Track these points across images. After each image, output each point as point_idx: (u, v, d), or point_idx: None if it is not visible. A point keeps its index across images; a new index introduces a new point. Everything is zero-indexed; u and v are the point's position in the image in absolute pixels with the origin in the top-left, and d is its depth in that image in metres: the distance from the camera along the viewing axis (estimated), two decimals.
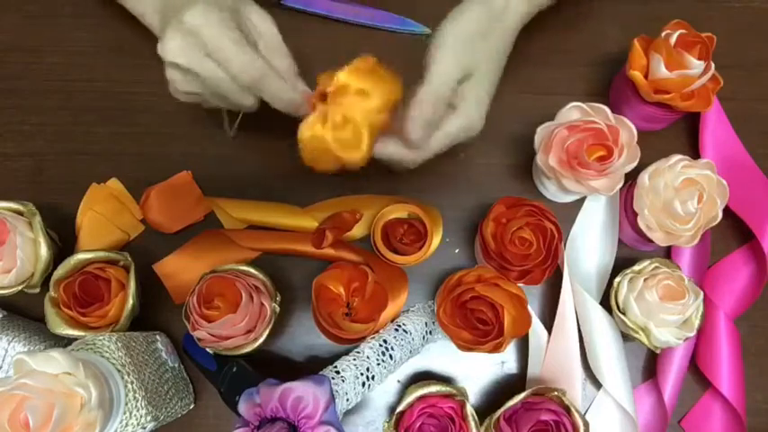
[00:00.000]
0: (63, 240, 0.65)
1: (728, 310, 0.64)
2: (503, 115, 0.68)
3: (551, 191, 0.66)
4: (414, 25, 0.70)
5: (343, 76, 0.50)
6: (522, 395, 0.55)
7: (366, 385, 0.57)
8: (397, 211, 0.64)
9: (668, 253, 0.66)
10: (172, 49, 0.48)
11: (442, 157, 0.67)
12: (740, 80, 0.68)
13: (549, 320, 0.64)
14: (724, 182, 0.58)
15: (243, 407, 0.50)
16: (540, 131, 0.60)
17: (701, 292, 0.58)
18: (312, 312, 0.61)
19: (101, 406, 0.46)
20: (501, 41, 0.56)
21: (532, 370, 0.63)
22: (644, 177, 0.59)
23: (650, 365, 0.64)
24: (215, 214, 0.67)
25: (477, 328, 0.55)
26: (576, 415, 0.54)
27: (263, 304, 0.57)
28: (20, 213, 0.60)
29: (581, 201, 0.67)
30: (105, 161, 0.67)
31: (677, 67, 0.58)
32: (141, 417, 0.51)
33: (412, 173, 0.64)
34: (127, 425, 0.51)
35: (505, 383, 0.64)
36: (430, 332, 0.62)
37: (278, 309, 0.58)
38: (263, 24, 0.53)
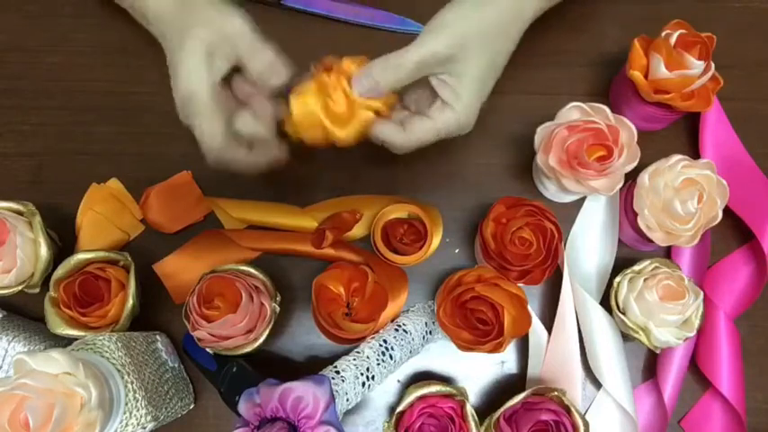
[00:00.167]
0: (63, 240, 0.65)
1: (728, 310, 0.64)
2: (503, 115, 0.69)
3: (551, 191, 0.66)
4: (414, 25, 0.70)
5: (353, 65, 0.50)
6: (522, 395, 0.55)
7: (366, 385, 0.57)
8: (397, 211, 0.64)
9: (668, 253, 0.66)
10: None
11: (442, 157, 0.68)
12: (740, 80, 0.68)
13: (549, 320, 0.64)
14: (724, 182, 0.58)
15: (243, 407, 0.50)
16: (540, 131, 0.60)
17: (701, 292, 0.58)
18: (312, 312, 0.61)
19: (101, 406, 0.46)
20: (513, 38, 0.54)
21: (532, 370, 0.63)
22: (644, 177, 0.59)
23: (650, 365, 0.64)
24: (215, 214, 0.67)
25: (477, 328, 0.55)
26: (576, 415, 0.54)
27: (263, 304, 0.57)
28: (20, 213, 0.60)
29: (581, 201, 0.67)
30: (105, 161, 0.67)
31: (677, 67, 0.58)
32: (141, 417, 0.51)
33: (412, 173, 0.64)
34: (127, 425, 0.51)
35: (505, 383, 0.64)
36: (430, 332, 0.62)
37: (278, 309, 0.58)
38: (240, 28, 0.52)
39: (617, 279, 0.60)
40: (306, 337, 0.65)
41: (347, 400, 0.56)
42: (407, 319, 0.61)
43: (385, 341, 0.59)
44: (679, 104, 0.60)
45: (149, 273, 0.64)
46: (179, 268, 0.65)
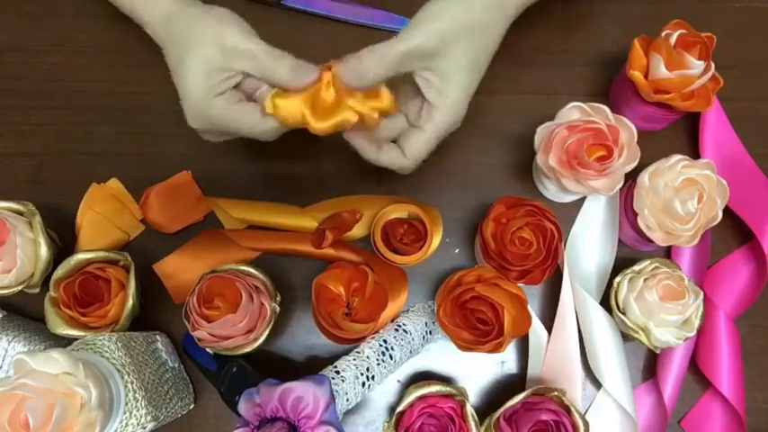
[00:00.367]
0: (63, 240, 0.65)
1: (728, 310, 0.64)
2: (503, 115, 0.69)
3: (551, 191, 0.66)
4: None
5: None
6: (522, 395, 0.55)
7: (366, 385, 0.57)
8: (397, 211, 0.64)
9: (668, 253, 0.66)
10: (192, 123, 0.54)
11: (442, 157, 0.68)
12: (740, 80, 0.68)
13: (549, 320, 0.64)
14: (724, 182, 0.58)
15: (243, 407, 0.50)
16: (540, 131, 0.60)
17: (701, 292, 0.58)
18: (312, 312, 0.61)
19: (101, 406, 0.46)
20: (495, 36, 0.54)
21: (532, 370, 0.63)
22: (644, 177, 0.59)
23: (650, 365, 0.64)
24: (215, 214, 0.67)
25: (477, 328, 0.55)
26: (576, 415, 0.54)
27: (263, 304, 0.57)
28: (20, 213, 0.60)
29: (581, 201, 0.67)
30: (105, 161, 0.67)
31: (677, 67, 0.58)
32: (141, 417, 0.51)
33: (412, 173, 0.64)
34: (127, 425, 0.51)
35: (505, 383, 0.64)
36: (430, 332, 0.62)
37: (278, 309, 0.58)
38: (243, 42, 0.51)
39: (617, 279, 0.60)
40: (306, 337, 0.65)
41: (347, 400, 0.56)
42: (407, 319, 0.61)
43: (385, 341, 0.59)
44: (679, 104, 0.60)
45: (149, 273, 0.64)
46: (179, 268, 0.65)
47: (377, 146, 0.54)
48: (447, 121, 0.53)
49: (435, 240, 0.63)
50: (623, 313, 0.59)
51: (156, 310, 0.64)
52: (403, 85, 0.54)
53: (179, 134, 0.68)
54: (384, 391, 0.64)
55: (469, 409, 0.55)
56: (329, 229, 0.60)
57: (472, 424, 0.55)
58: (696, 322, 0.58)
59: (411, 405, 0.56)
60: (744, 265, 0.66)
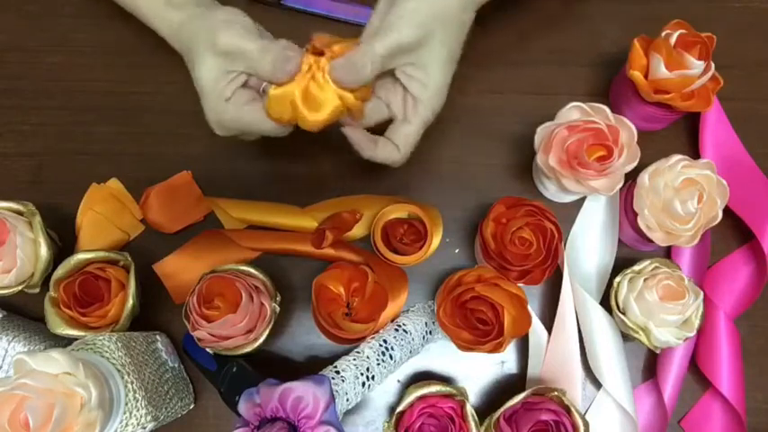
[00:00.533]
0: (63, 240, 0.65)
1: (728, 310, 0.64)
2: (503, 115, 0.69)
3: (551, 191, 0.66)
4: None
5: (345, 49, 0.50)
6: (522, 395, 0.55)
7: (366, 385, 0.57)
8: (397, 211, 0.64)
9: (668, 253, 0.66)
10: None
11: (443, 157, 0.68)
12: (740, 80, 0.68)
13: (549, 320, 0.64)
14: (724, 182, 0.58)
15: (243, 407, 0.50)
16: (540, 131, 0.60)
17: (701, 292, 0.58)
18: (312, 312, 0.61)
19: (101, 406, 0.46)
20: (465, 25, 0.54)
21: (532, 370, 0.63)
22: (644, 177, 0.59)
23: (650, 365, 0.64)
24: (215, 214, 0.67)
25: (477, 328, 0.55)
26: (576, 415, 0.54)
27: (263, 304, 0.57)
28: (20, 213, 0.60)
29: (581, 201, 0.67)
30: (105, 161, 0.67)
31: (677, 67, 0.58)
32: (141, 417, 0.51)
33: (412, 173, 0.64)
34: (127, 425, 0.51)
35: (505, 383, 0.64)
36: (430, 332, 0.62)
37: (278, 309, 0.58)
38: (236, 43, 0.52)
39: (617, 279, 0.60)
40: (306, 337, 0.65)
41: (347, 400, 0.56)
42: (407, 319, 0.61)
43: (385, 341, 0.59)
44: (679, 104, 0.60)
45: (149, 273, 0.64)
46: (179, 268, 0.65)
47: (374, 142, 0.54)
48: (432, 110, 0.54)
49: (435, 240, 0.63)
50: (623, 313, 0.59)
51: (156, 310, 0.64)
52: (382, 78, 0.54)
53: (179, 134, 0.68)
54: (384, 391, 0.64)
55: (469, 409, 0.55)
56: (329, 229, 0.60)
57: (472, 424, 0.55)
58: (696, 322, 0.58)
59: (411, 405, 0.56)
60: (744, 265, 0.66)
